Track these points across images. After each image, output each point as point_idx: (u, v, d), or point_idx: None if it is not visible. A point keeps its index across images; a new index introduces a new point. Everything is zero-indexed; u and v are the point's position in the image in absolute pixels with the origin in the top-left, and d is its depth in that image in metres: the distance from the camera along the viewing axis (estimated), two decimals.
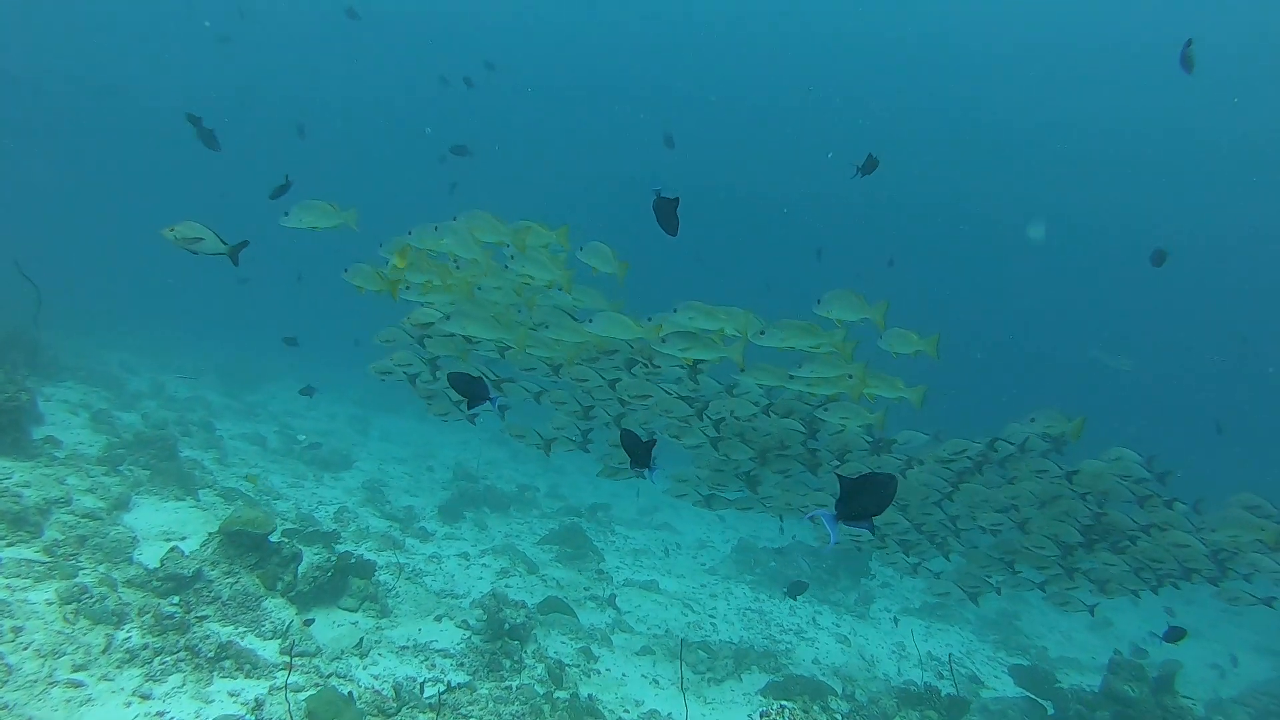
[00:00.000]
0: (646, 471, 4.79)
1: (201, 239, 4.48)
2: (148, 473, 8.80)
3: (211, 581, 5.92)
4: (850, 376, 5.49)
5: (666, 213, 4.51)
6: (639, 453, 4.69)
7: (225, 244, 4.54)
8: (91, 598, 5.07)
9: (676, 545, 13.19)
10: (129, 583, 5.67)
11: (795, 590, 9.23)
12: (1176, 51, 8.54)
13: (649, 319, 5.41)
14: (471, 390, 4.66)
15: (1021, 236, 35.11)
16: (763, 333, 5.32)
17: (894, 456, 6.63)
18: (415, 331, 6.27)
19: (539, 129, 42.27)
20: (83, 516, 6.73)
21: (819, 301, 5.32)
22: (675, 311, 5.33)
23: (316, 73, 40.04)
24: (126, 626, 5.02)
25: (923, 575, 7.58)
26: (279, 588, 6.23)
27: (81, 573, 5.57)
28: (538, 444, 6.55)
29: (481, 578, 9.07)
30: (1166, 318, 36.57)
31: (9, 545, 5.74)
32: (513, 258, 5.40)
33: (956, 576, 7.40)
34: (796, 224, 39.54)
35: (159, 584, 5.77)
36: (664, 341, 5.33)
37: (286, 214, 5.17)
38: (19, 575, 5.17)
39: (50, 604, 4.95)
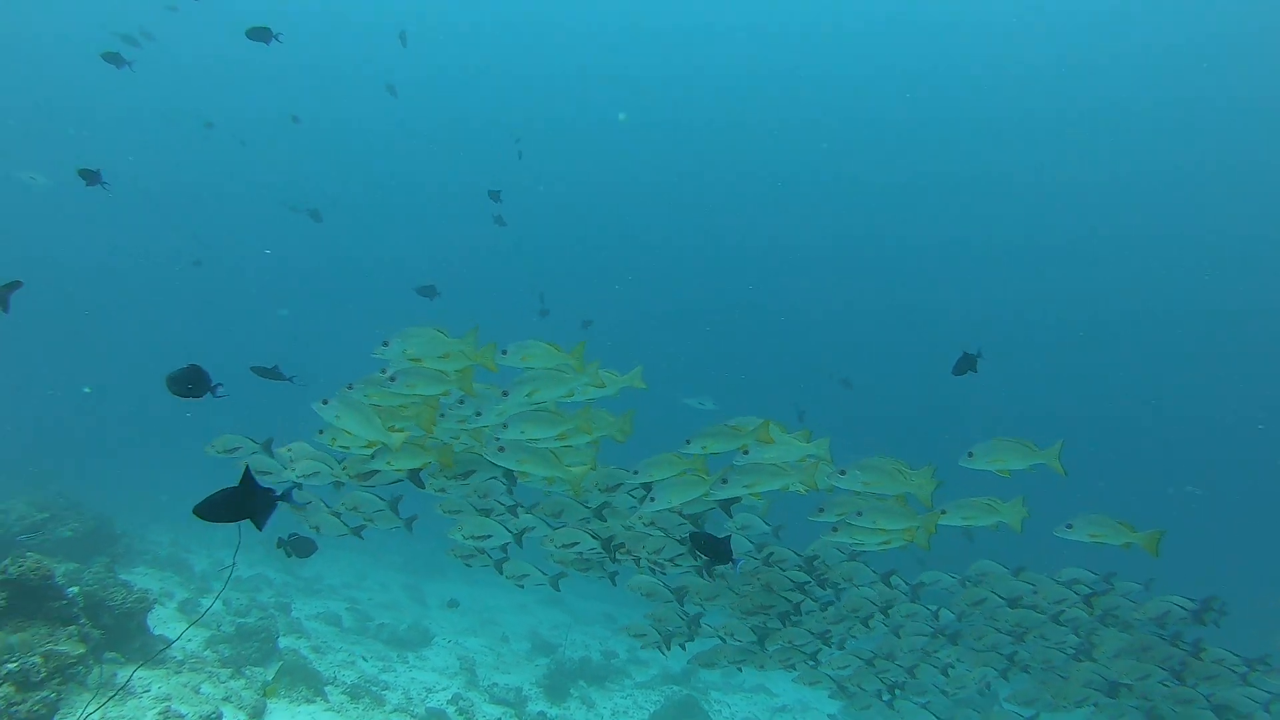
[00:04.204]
0: (731, 565, 4.53)
1: None
2: (262, 670, 8.25)
3: None
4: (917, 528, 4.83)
5: None
6: (716, 550, 4.35)
7: None
8: None
9: (783, 708, 12.42)
10: None
11: None
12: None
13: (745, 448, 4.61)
14: (188, 384, 3.51)
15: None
16: (843, 473, 4.64)
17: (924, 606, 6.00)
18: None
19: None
20: None
21: (970, 454, 4.74)
22: (746, 453, 4.63)
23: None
24: None
25: None
26: None
27: None
28: (487, 564, 5.60)
29: None
30: None
31: None
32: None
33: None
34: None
35: None
36: (725, 483, 4.66)
37: (325, 403, 4.46)
38: None
39: None
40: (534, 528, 5.18)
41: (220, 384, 4.34)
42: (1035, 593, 5.98)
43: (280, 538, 5.53)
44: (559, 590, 5.65)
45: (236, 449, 5.09)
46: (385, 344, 4.42)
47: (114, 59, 10.83)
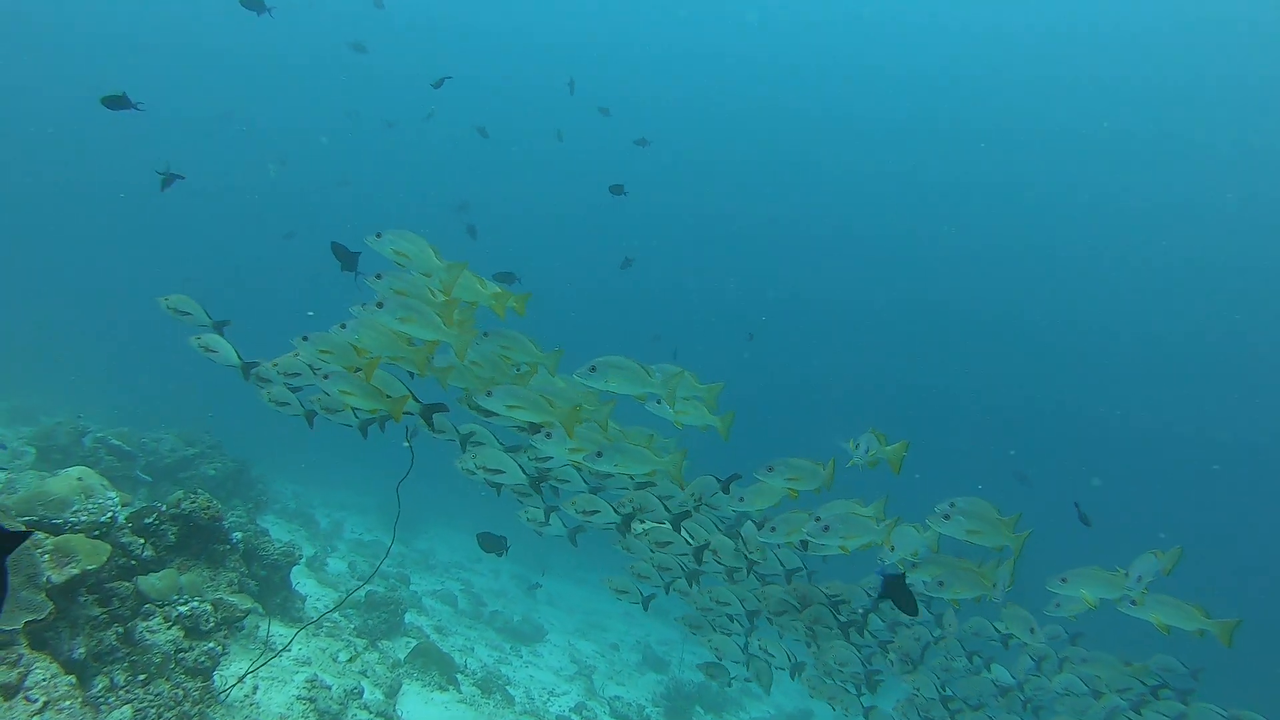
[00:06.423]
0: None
1: None
2: (391, 644, 7.80)
3: None
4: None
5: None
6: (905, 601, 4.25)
7: None
8: None
9: None
10: None
11: None
12: None
13: None
14: None
15: None
16: (948, 517, 4.31)
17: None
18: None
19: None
20: (377, 715, 5.69)
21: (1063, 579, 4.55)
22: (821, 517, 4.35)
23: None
24: None
25: None
26: None
27: None
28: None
29: None
30: None
31: None
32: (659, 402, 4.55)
33: None
34: None
35: None
36: (827, 530, 4.32)
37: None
38: None
39: None
40: (565, 482, 5.01)
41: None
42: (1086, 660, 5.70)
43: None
44: (576, 545, 5.50)
45: (188, 314, 4.66)
46: (378, 235, 4.04)
47: (254, 4, 10.39)
